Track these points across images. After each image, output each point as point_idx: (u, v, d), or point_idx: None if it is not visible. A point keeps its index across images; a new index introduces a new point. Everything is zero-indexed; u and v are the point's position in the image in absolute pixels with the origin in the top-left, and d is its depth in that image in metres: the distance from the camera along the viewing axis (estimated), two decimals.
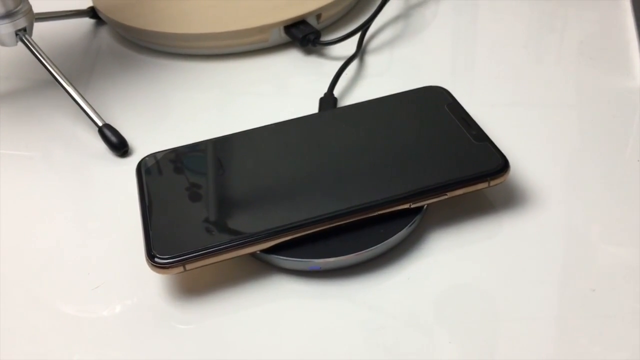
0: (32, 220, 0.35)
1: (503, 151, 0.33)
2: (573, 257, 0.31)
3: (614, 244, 0.31)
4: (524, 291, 0.29)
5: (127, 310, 0.30)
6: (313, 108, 0.41)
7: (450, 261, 0.31)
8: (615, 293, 0.29)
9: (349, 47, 0.47)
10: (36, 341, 0.29)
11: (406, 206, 0.31)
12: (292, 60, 0.47)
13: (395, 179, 0.32)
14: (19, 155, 0.40)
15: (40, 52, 0.42)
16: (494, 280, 0.30)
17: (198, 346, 0.28)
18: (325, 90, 0.42)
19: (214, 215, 0.31)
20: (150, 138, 0.40)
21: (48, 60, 0.42)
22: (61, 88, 0.41)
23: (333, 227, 0.30)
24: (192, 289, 0.31)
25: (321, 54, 0.47)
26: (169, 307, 0.30)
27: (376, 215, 0.31)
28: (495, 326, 0.28)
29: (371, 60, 0.46)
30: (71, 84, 0.41)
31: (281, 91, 0.44)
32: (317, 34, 0.47)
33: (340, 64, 0.44)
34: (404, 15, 0.51)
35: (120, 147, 0.39)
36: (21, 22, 0.41)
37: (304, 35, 0.46)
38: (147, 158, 0.35)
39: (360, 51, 0.46)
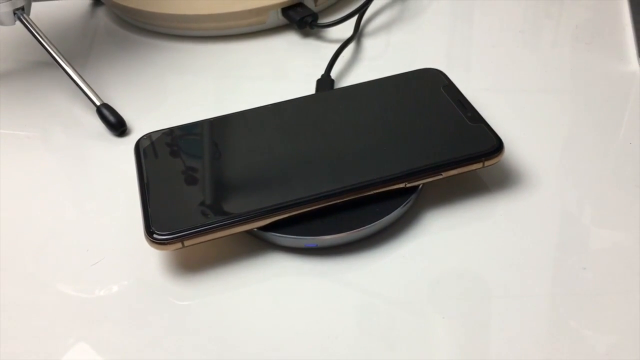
0: (30, 199, 0.36)
1: (498, 133, 0.33)
2: (565, 238, 0.31)
3: (606, 226, 0.31)
4: (516, 270, 0.30)
5: (126, 286, 0.30)
6: (310, 90, 0.41)
7: (445, 240, 0.31)
8: (606, 273, 0.29)
9: (346, 29, 0.47)
10: (34, 317, 0.29)
11: (401, 186, 0.31)
12: (290, 43, 0.47)
13: (391, 158, 0.32)
14: (17, 134, 0.40)
15: (39, 31, 0.42)
16: (488, 260, 0.30)
17: (196, 322, 0.29)
18: (323, 72, 0.42)
19: (212, 193, 0.31)
20: (148, 118, 0.41)
21: (46, 40, 0.42)
22: (59, 68, 0.42)
23: (329, 205, 0.31)
24: (190, 266, 0.31)
25: (318, 37, 0.47)
26: (168, 283, 0.30)
27: (372, 194, 0.31)
28: (488, 304, 0.28)
29: (368, 43, 0.46)
30: (69, 64, 0.41)
31: (278, 73, 0.44)
32: (315, 16, 0.47)
33: (337, 46, 0.44)
34: None
35: (118, 126, 0.39)
36: (19, 1, 0.42)
37: (301, 18, 0.46)
38: (145, 137, 0.35)
39: (358, 34, 0.47)
